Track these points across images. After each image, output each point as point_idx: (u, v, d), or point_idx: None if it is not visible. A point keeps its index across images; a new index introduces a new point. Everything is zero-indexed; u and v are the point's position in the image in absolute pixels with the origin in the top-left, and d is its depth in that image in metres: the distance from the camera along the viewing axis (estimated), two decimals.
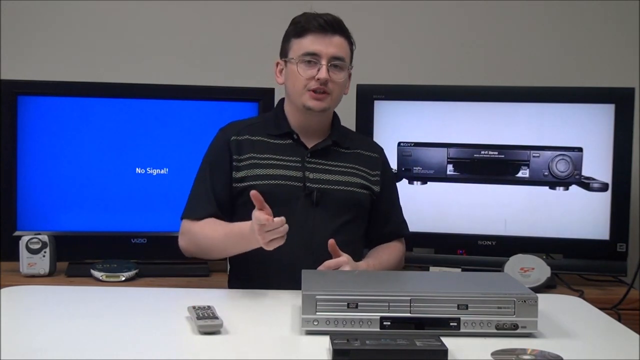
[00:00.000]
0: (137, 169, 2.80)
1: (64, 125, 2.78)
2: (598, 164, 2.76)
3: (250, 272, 2.24)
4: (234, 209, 2.27)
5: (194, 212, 2.25)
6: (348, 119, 2.84)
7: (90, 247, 2.79)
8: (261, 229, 1.92)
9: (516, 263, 2.63)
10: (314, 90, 2.21)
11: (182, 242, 2.28)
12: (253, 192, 1.94)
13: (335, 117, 2.36)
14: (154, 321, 1.83)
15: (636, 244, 2.92)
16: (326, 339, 1.59)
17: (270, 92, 2.78)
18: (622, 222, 2.75)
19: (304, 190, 2.23)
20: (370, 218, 2.36)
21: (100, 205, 2.80)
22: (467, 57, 3.19)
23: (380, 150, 2.43)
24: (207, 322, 1.68)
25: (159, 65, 3.11)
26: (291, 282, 1.99)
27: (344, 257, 2.12)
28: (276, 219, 1.92)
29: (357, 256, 2.26)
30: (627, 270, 2.76)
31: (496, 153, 2.82)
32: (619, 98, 2.75)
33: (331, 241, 2.12)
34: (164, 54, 3.13)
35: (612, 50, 3.18)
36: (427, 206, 2.84)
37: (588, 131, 2.77)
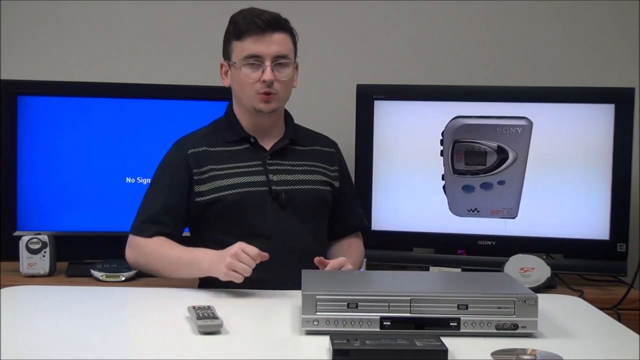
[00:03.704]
0: (137, 171, 2.81)
1: (63, 125, 2.78)
2: (598, 164, 2.76)
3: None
4: (199, 222, 2.25)
5: (146, 229, 2.20)
6: (348, 119, 2.85)
7: (90, 247, 2.79)
8: (235, 255, 1.96)
9: (516, 263, 2.63)
10: (263, 93, 2.19)
11: (131, 256, 2.23)
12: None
13: (287, 115, 2.35)
14: (154, 321, 1.83)
15: (636, 244, 2.92)
16: (326, 339, 1.59)
17: None
18: (622, 222, 2.75)
19: (270, 193, 2.23)
20: (333, 212, 2.36)
21: (100, 205, 2.80)
22: (467, 57, 3.19)
23: (335, 145, 2.43)
24: (207, 322, 1.68)
25: (159, 65, 3.11)
26: (276, 285, 2.05)
27: (342, 258, 2.13)
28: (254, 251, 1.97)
29: (325, 252, 2.30)
30: (627, 270, 2.76)
31: None
32: (619, 98, 2.74)
33: (317, 259, 2.11)
34: (164, 54, 3.13)
35: (612, 50, 3.18)
36: (427, 206, 2.84)
37: (588, 131, 2.77)
